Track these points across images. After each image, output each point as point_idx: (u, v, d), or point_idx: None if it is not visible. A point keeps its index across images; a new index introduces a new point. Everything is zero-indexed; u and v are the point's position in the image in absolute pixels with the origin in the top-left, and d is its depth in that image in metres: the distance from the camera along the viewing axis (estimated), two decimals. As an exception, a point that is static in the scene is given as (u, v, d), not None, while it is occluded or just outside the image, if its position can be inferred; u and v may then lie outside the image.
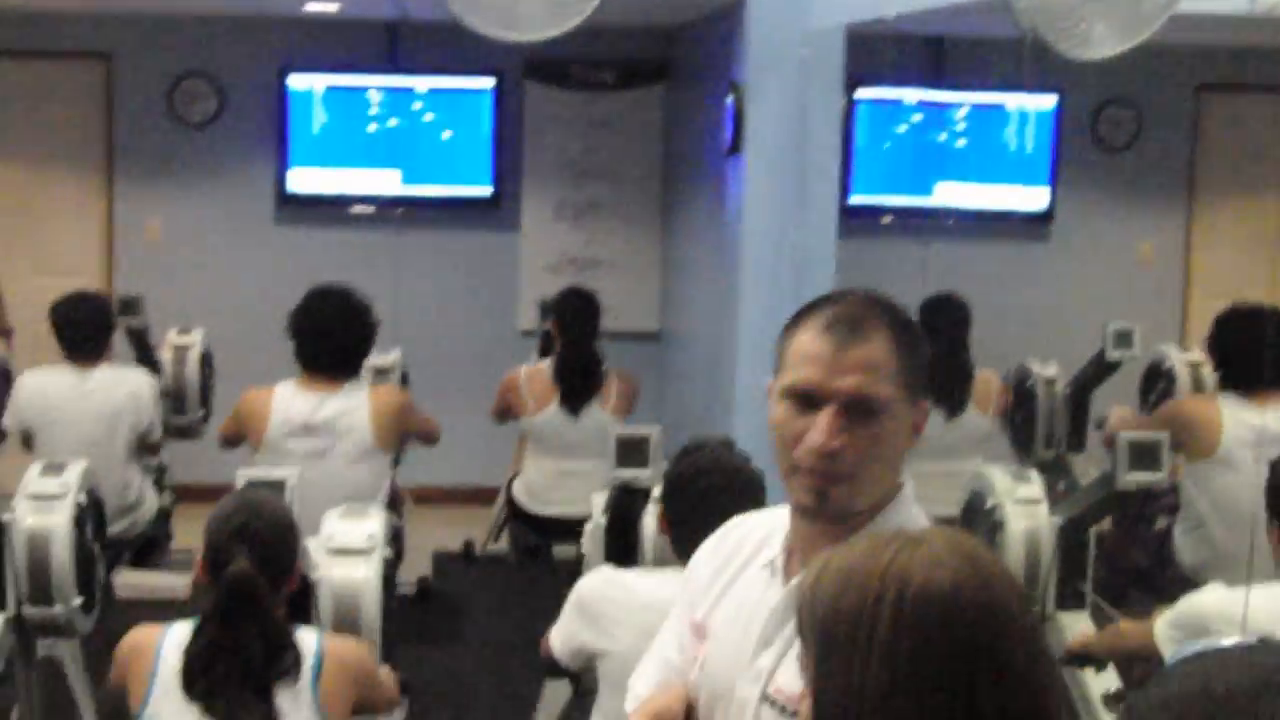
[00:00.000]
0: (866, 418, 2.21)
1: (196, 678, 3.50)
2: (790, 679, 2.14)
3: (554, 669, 4.42)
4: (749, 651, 2.32)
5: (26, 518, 5.19)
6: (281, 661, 3.55)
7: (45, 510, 5.23)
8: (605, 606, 3.96)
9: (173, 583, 7.59)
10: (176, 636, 3.61)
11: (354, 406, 6.10)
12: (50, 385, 6.86)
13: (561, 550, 6.61)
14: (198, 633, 3.56)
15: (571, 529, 5.81)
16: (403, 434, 6.40)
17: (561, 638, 4.15)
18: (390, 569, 4.82)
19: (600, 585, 4.07)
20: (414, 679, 6.38)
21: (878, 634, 1.66)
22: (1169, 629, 3.97)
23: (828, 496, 2.25)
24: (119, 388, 6.91)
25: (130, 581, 7.26)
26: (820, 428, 2.21)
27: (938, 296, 7.09)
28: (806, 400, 2.24)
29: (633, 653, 3.32)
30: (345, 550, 4.67)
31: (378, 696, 3.97)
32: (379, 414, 6.14)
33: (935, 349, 6.14)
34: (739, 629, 2.37)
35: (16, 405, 6.81)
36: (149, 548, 7.51)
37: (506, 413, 7.34)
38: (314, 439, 6.02)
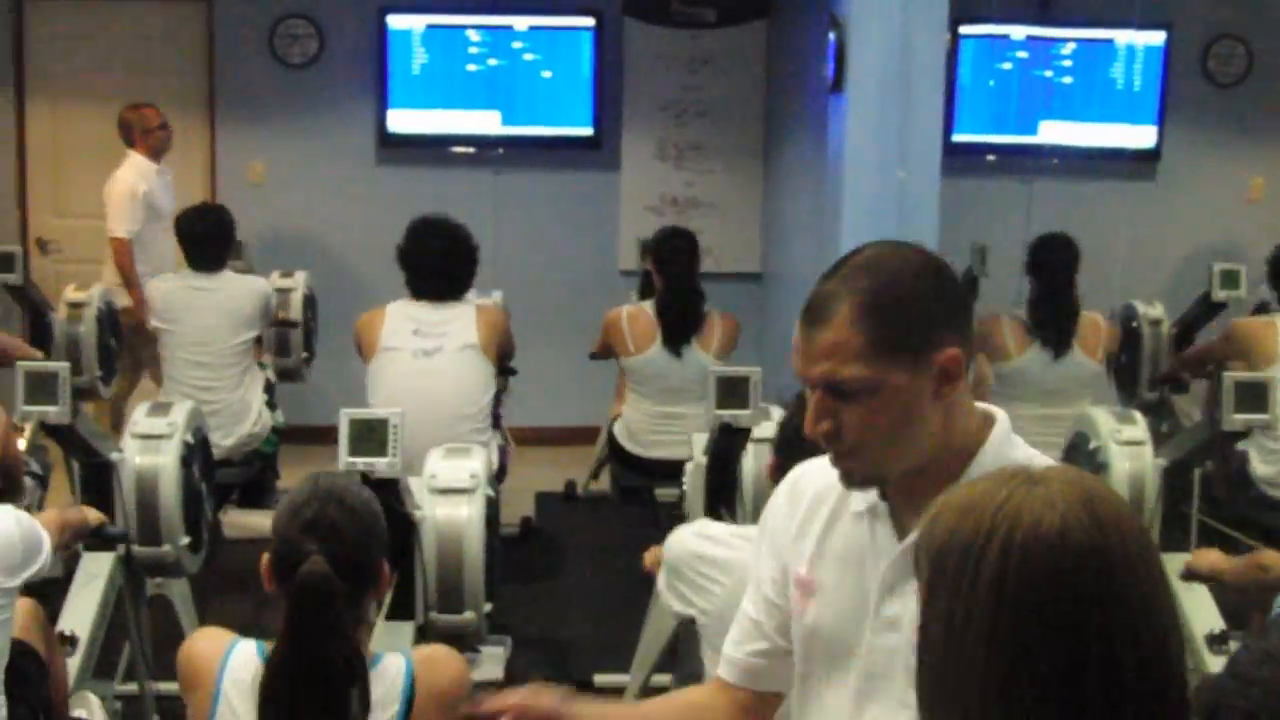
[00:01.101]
0: (850, 398, 2.24)
1: (266, 711, 2.89)
2: None
3: None
4: (870, 600, 2.33)
5: (135, 457, 5.25)
6: (359, 694, 2.91)
7: (153, 450, 5.29)
8: (696, 567, 3.80)
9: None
10: (241, 658, 3.04)
11: (461, 314, 6.38)
12: (175, 287, 7.28)
13: (663, 492, 6.60)
14: (271, 659, 2.91)
15: (673, 470, 5.82)
16: (502, 350, 6.60)
17: (663, 593, 4.01)
18: (493, 508, 4.84)
19: (690, 544, 3.86)
20: (515, 618, 6.44)
21: (984, 571, 1.66)
22: None
23: (850, 474, 2.32)
24: (239, 288, 7.29)
25: (236, 521, 7.33)
26: (810, 412, 2.29)
27: (1046, 236, 7.02)
28: (808, 383, 2.29)
29: (728, 611, 3.32)
30: (448, 489, 4.69)
31: None
32: (485, 324, 6.41)
33: (1041, 288, 6.10)
34: (852, 578, 2.37)
35: (151, 308, 7.29)
36: (256, 488, 7.58)
37: (607, 351, 7.36)
38: (424, 339, 6.27)
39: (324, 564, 2.84)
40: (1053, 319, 6.69)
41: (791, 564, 2.46)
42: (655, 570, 4.01)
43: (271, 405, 7.42)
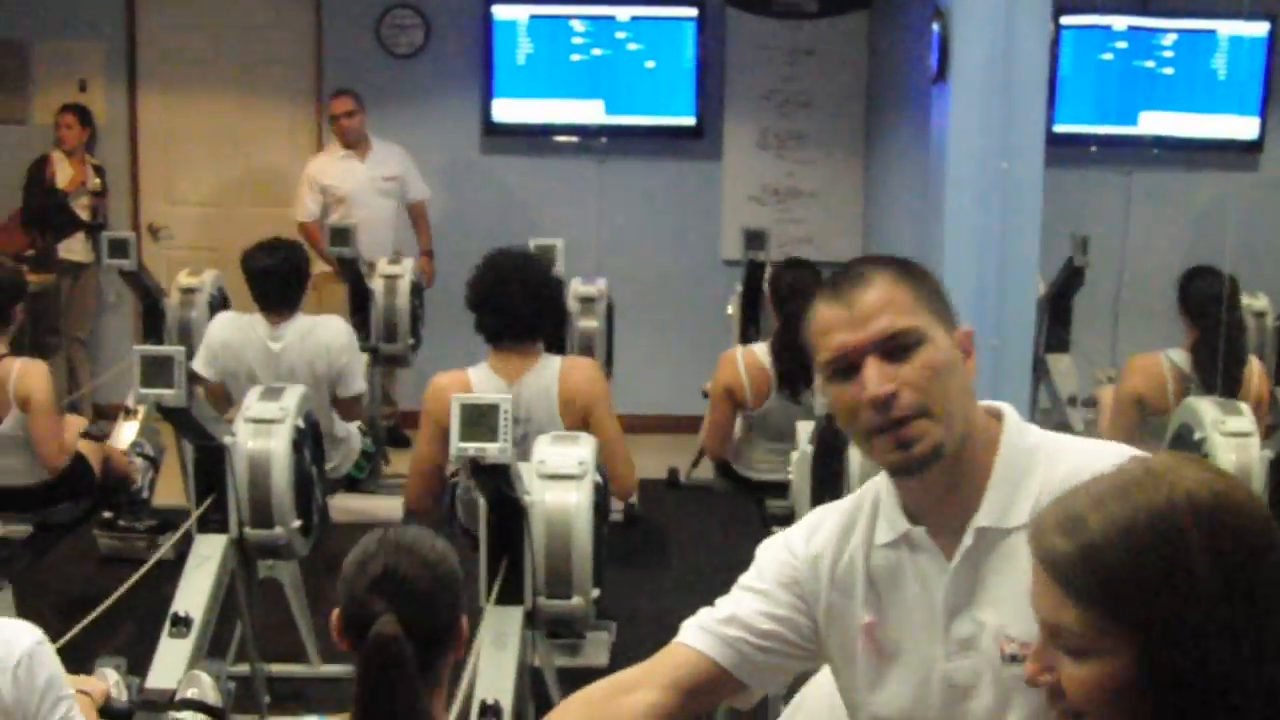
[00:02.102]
0: (907, 352, 2.22)
1: None
2: (1026, 628, 2.01)
3: None
4: (935, 628, 2.31)
5: (247, 441, 5.33)
6: None
7: (265, 434, 5.36)
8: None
9: (387, 505, 7.76)
10: None
11: (545, 383, 5.74)
12: (240, 338, 6.72)
13: (773, 503, 6.53)
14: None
15: (782, 489, 5.68)
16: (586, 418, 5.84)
17: None
18: (602, 495, 4.87)
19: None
20: (619, 604, 6.49)
21: (1197, 563, 1.67)
22: None
23: (910, 443, 2.23)
24: (310, 341, 6.69)
25: (345, 505, 7.41)
26: (869, 380, 2.22)
27: (1198, 269, 6.52)
28: (848, 368, 2.25)
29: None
30: (557, 475, 4.73)
31: None
32: (570, 401, 5.75)
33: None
34: (909, 613, 2.35)
35: (210, 352, 6.74)
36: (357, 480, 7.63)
37: (732, 402, 6.65)
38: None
39: (395, 625, 2.56)
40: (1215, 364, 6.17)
41: (858, 614, 2.41)
42: None
43: (364, 431, 7.17)
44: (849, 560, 2.41)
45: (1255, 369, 6.38)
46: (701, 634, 2.52)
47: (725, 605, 2.55)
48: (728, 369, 6.55)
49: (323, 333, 6.74)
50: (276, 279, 6.67)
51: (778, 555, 2.51)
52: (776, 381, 6.41)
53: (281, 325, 6.67)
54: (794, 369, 6.27)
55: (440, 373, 5.78)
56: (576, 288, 7.20)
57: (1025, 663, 1.86)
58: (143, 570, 4.89)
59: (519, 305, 5.70)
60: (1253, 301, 7.72)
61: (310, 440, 5.59)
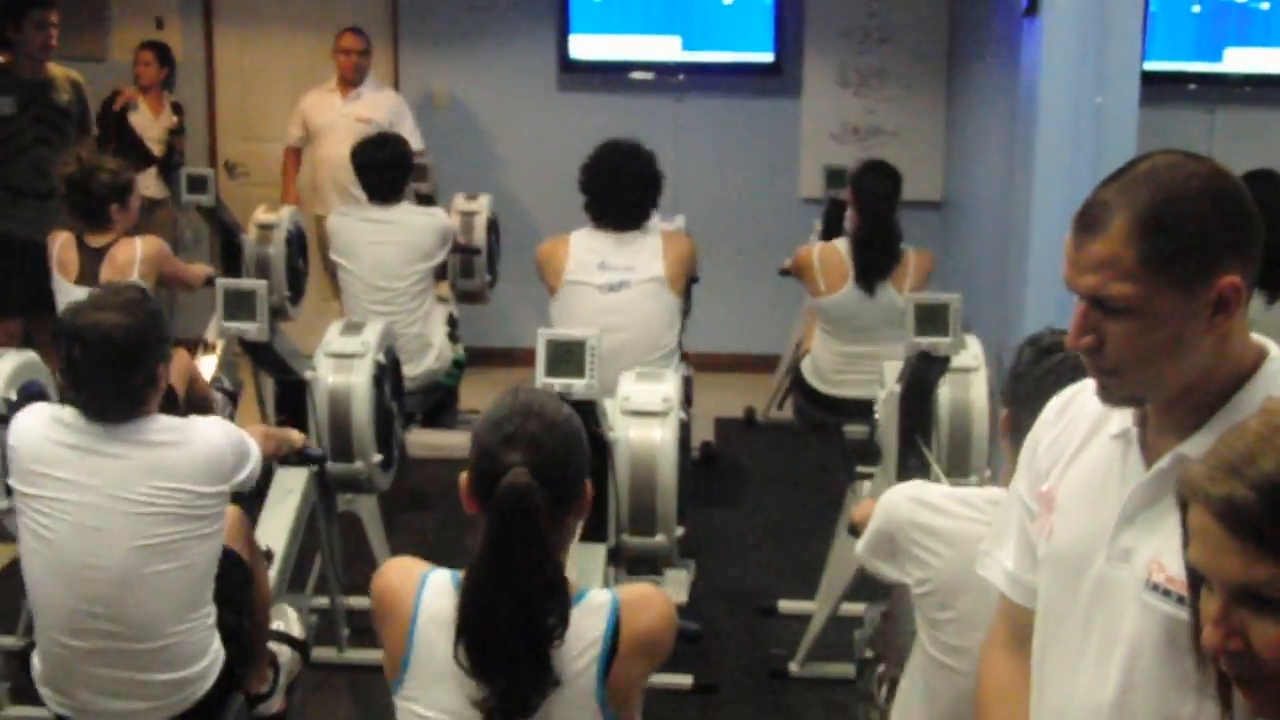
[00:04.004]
0: (1115, 315, 2.14)
1: (472, 634, 2.71)
2: (1177, 566, 2.04)
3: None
4: (1107, 526, 2.26)
5: (328, 376, 5.34)
6: (557, 615, 2.71)
7: (346, 369, 5.38)
8: (914, 536, 3.35)
9: (463, 441, 7.75)
10: (437, 585, 2.83)
11: (647, 245, 6.26)
12: (351, 221, 7.22)
13: (852, 429, 6.54)
14: (470, 573, 2.73)
15: (861, 409, 5.72)
16: (687, 279, 6.49)
17: (866, 559, 3.54)
18: (685, 431, 4.84)
19: (907, 512, 3.38)
20: (698, 542, 6.46)
21: None
22: None
23: (1108, 390, 2.24)
24: (414, 220, 7.21)
25: (420, 440, 7.41)
26: (1071, 326, 2.20)
27: (1256, 173, 6.53)
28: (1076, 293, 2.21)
29: (948, 583, 3.24)
30: (642, 412, 4.71)
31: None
32: (670, 254, 6.29)
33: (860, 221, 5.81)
34: (1091, 501, 2.32)
35: (329, 242, 7.26)
36: (439, 407, 7.66)
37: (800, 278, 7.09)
38: (610, 273, 6.17)
39: (527, 474, 2.65)
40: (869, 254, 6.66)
41: (1045, 478, 2.42)
42: (862, 527, 3.57)
43: (454, 338, 7.45)
44: (1077, 429, 2.41)
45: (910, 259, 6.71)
46: (1014, 587, 2.56)
47: (1010, 537, 2.57)
48: (803, 250, 7.03)
49: (428, 217, 7.33)
50: (383, 171, 7.18)
51: (1026, 455, 2.52)
52: (854, 274, 6.69)
53: (390, 209, 7.19)
54: (871, 263, 6.64)
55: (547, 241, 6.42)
56: (655, 224, 7.15)
57: (1206, 629, 1.77)
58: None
59: (626, 192, 6.23)
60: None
61: (390, 375, 5.58)
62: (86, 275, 5.97)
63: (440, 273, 7.61)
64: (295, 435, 4.76)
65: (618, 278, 6.15)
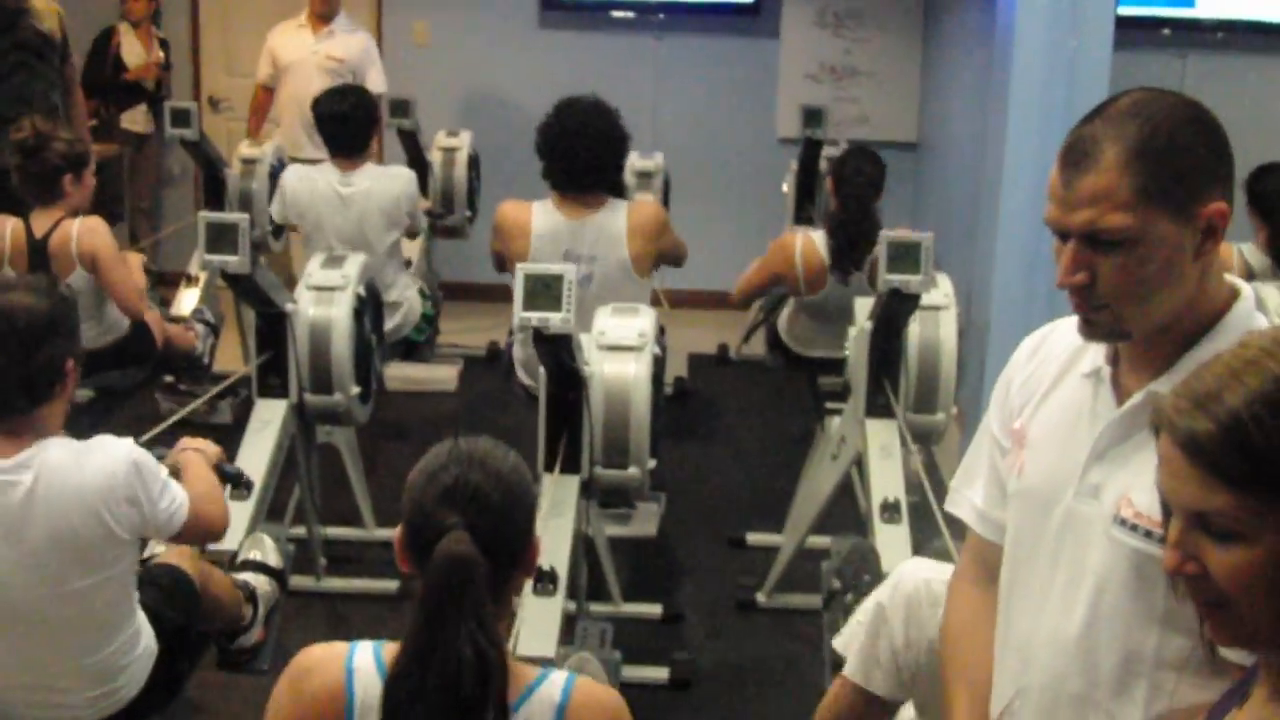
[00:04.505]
0: (1110, 249, 2.16)
1: (399, 713, 2.34)
2: (1151, 503, 2.11)
3: None
4: (1077, 463, 2.31)
5: (309, 308, 5.39)
6: (493, 693, 2.33)
7: (326, 302, 5.42)
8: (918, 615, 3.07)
9: (440, 375, 7.83)
10: (364, 666, 2.48)
11: (612, 222, 5.79)
12: (312, 185, 6.71)
13: (825, 380, 6.52)
14: (403, 649, 2.35)
15: (837, 366, 5.67)
16: (662, 255, 6.06)
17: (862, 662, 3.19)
18: (660, 367, 4.90)
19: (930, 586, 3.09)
20: (670, 476, 6.55)
21: None
22: None
23: (1093, 324, 2.25)
24: (379, 187, 6.69)
25: (399, 374, 7.47)
26: (1063, 265, 2.21)
27: (1262, 168, 6.24)
28: (1060, 234, 2.22)
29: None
30: (617, 346, 4.76)
31: None
32: (636, 235, 5.80)
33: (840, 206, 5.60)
34: (1061, 438, 2.36)
35: (282, 201, 6.80)
36: (415, 344, 7.69)
37: (774, 282, 6.64)
38: (574, 263, 5.49)
39: (466, 539, 2.33)
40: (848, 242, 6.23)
41: (1017, 415, 2.46)
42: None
43: (424, 294, 7.13)
44: (1049, 368, 2.45)
45: None
46: (983, 523, 2.61)
47: (980, 474, 2.61)
48: (782, 257, 6.40)
49: (392, 181, 6.77)
50: (346, 124, 6.69)
51: (999, 393, 2.56)
52: (829, 260, 6.27)
53: (351, 171, 6.69)
54: (846, 252, 6.19)
55: (508, 201, 5.90)
56: (633, 162, 7.18)
57: (1164, 551, 1.84)
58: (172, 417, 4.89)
59: (587, 154, 5.73)
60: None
61: (370, 308, 5.63)
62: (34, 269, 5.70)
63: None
64: (211, 452, 4.04)
65: (583, 271, 5.54)
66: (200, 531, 3.64)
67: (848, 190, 6.26)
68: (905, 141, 9.81)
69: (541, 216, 5.79)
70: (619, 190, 6.04)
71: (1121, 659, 2.24)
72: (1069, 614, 2.30)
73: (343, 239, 6.56)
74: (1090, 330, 2.27)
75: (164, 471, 3.52)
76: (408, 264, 7.24)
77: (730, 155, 9.91)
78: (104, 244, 5.75)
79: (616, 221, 5.79)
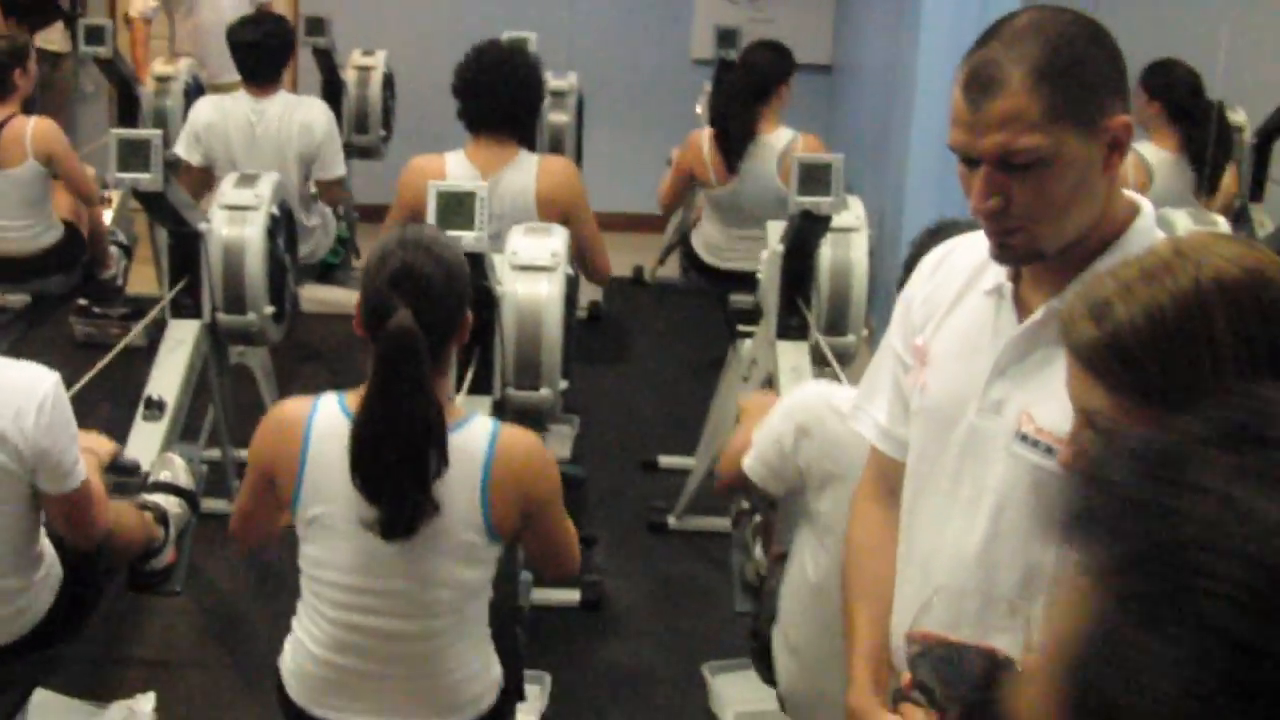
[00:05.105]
0: (1023, 171, 2.14)
1: (361, 460, 2.99)
2: (1052, 419, 2.15)
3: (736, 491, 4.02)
4: (979, 379, 2.33)
5: (222, 228, 5.34)
6: (441, 447, 3.00)
7: (239, 221, 5.37)
8: (829, 427, 3.38)
9: (356, 297, 7.78)
10: (326, 414, 3.11)
11: (522, 185, 5.63)
12: (221, 118, 6.62)
13: (738, 298, 6.56)
14: (361, 407, 2.98)
15: (749, 282, 5.71)
16: (566, 217, 5.70)
17: (764, 453, 3.56)
18: (572, 287, 4.90)
19: (818, 405, 3.46)
20: (583, 399, 6.58)
21: (1221, 340, 1.71)
22: None
23: (1007, 247, 2.24)
24: (291, 119, 6.59)
25: (315, 296, 7.44)
26: (976, 190, 2.19)
27: (1161, 64, 6.40)
28: (967, 160, 2.20)
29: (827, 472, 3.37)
30: (529, 266, 4.76)
31: (554, 532, 3.38)
32: (546, 199, 5.65)
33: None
34: (965, 355, 2.37)
35: (193, 132, 6.66)
36: (331, 266, 7.66)
37: (689, 179, 6.88)
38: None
39: (410, 319, 2.91)
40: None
41: (919, 332, 2.47)
42: (733, 460, 3.65)
43: (339, 216, 7.14)
44: (952, 285, 2.46)
45: (1228, 178, 6.47)
46: (886, 440, 2.62)
47: (882, 391, 2.63)
48: (691, 151, 6.71)
49: (304, 112, 6.68)
50: (260, 52, 6.61)
51: (900, 310, 2.57)
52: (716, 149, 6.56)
53: (263, 100, 6.61)
54: (727, 141, 6.51)
55: (419, 155, 5.74)
56: (548, 81, 7.18)
57: (1060, 449, 1.90)
58: (114, 352, 4.90)
59: (504, 96, 5.65)
60: (1231, 115, 7.69)
61: (284, 228, 5.61)
62: None
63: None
64: (104, 450, 4.06)
65: (492, 229, 5.33)
66: (84, 513, 3.58)
67: (728, 77, 6.63)
68: (820, 64, 9.81)
69: (455, 169, 5.65)
70: (530, 143, 5.96)
71: (1021, 574, 2.26)
72: (970, 531, 2.32)
73: (255, 166, 6.39)
74: (1004, 253, 2.26)
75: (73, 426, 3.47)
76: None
77: (645, 76, 9.90)
78: (59, 140, 6.06)
79: (527, 183, 5.65)
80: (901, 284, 3.04)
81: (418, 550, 3.07)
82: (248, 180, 5.54)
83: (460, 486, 3.05)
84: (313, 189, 6.77)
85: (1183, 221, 5.11)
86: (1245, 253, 1.76)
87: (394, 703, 3.23)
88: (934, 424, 2.41)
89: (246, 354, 5.91)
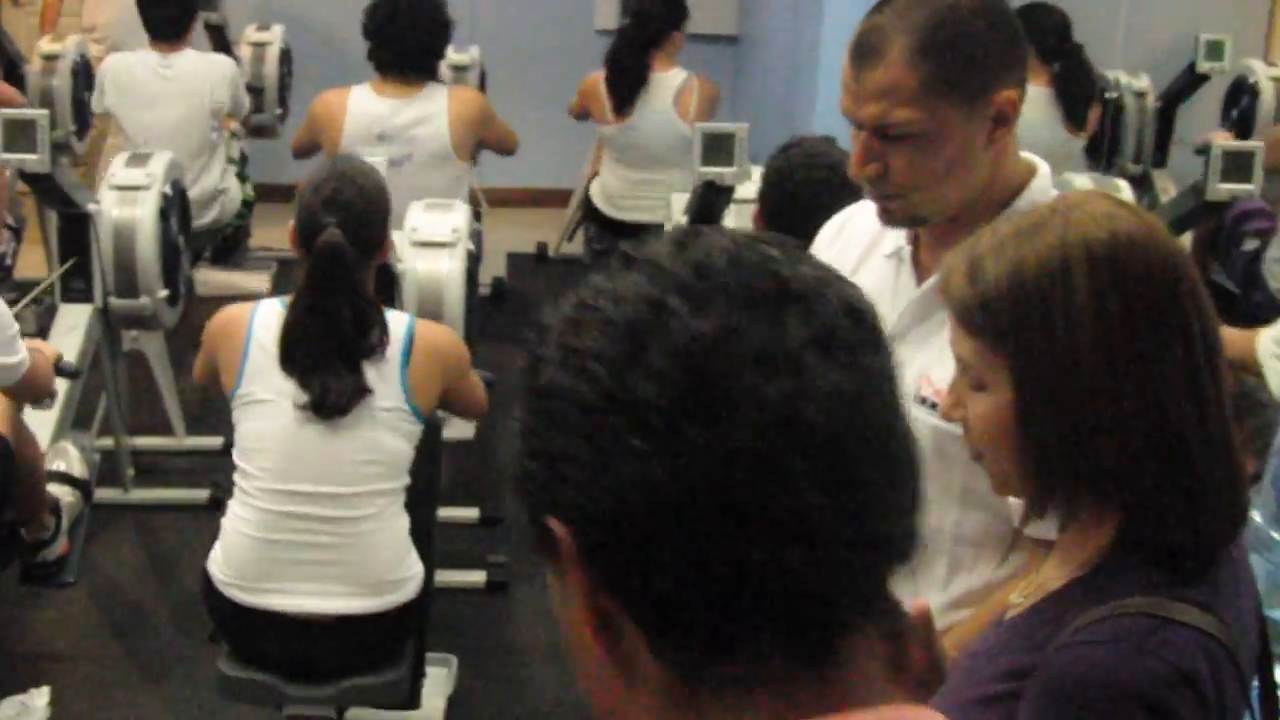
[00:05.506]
0: (900, 141, 2.18)
1: (291, 351, 3.48)
2: (950, 380, 2.12)
3: None
4: None
5: (112, 209, 5.23)
6: (370, 335, 3.51)
7: (131, 202, 5.26)
8: None
9: (252, 281, 7.66)
10: (266, 311, 3.60)
11: (432, 112, 5.90)
12: (134, 69, 6.66)
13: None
14: (293, 305, 3.51)
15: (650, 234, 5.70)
16: (480, 142, 6.23)
17: None
18: (473, 263, 4.84)
19: None
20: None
21: (1076, 301, 1.70)
22: (1273, 344, 3.88)
23: (890, 212, 2.28)
24: (201, 70, 6.70)
25: (210, 279, 7.33)
26: (855, 156, 2.23)
27: (1031, 7, 6.38)
28: (856, 124, 2.23)
29: None
30: (430, 243, 4.69)
31: (467, 392, 3.93)
32: (457, 120, 5.95)
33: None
34: None
35: (102, 89, 6.69)
36: (228, 246, 7.56)
37: (585, 116, 7.21)
38: (390, 146, 5.81)
39: (339, 234, 3.47)
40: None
41: None
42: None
43: (243, 177, 7.17)
44: (852, 252, 2.46)
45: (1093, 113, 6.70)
46: None
47: None
48: (588, 88, 7.04)
49: (212, 67, 6.78)
50: (166, 8, 6.64)
51: None
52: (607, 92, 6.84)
53: (171, 55, 6.64)
54: (620, 85, 6.80)
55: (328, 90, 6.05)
56: (450, 55, 7.06)
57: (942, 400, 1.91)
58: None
59: (414, 37, 5.87)
60: (1133, 81, 7.71)
61: (177, 208, 5.49)
62: None
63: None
64: (49, 350, 4.21)
65: (400, 151, 5.80)
66: (36, 388, 3.93)
67: (622, 25, 6.97)
68: (725, 34, 9.73)
69: (359, 98, 5.90)
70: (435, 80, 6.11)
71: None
72: None
73: (163, 123, 6.50)
74: (887, 217, 2.30)
75: (14, 327, 3.67)
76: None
77: (548, 48, 9.77)
78: None
79: (437, 104, 5.91)
80: (766, 200, 3.69)
81: (349, 426, 3.51)
82: (139, 160, 5.44)
83: (385, 368, 3.54)
84: (226, 143, 6.94)
85: (1083, 185, 5.10)
86: (1122, 215, 1.75)
87: (325, 584, 3.56)
88: None
89: (140, 339, 5.79)
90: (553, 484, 1.02)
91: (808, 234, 3.68)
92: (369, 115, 5.86)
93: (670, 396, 0.97)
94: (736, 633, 1.00)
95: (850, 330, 1.04)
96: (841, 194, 3.47)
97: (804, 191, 3.67)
